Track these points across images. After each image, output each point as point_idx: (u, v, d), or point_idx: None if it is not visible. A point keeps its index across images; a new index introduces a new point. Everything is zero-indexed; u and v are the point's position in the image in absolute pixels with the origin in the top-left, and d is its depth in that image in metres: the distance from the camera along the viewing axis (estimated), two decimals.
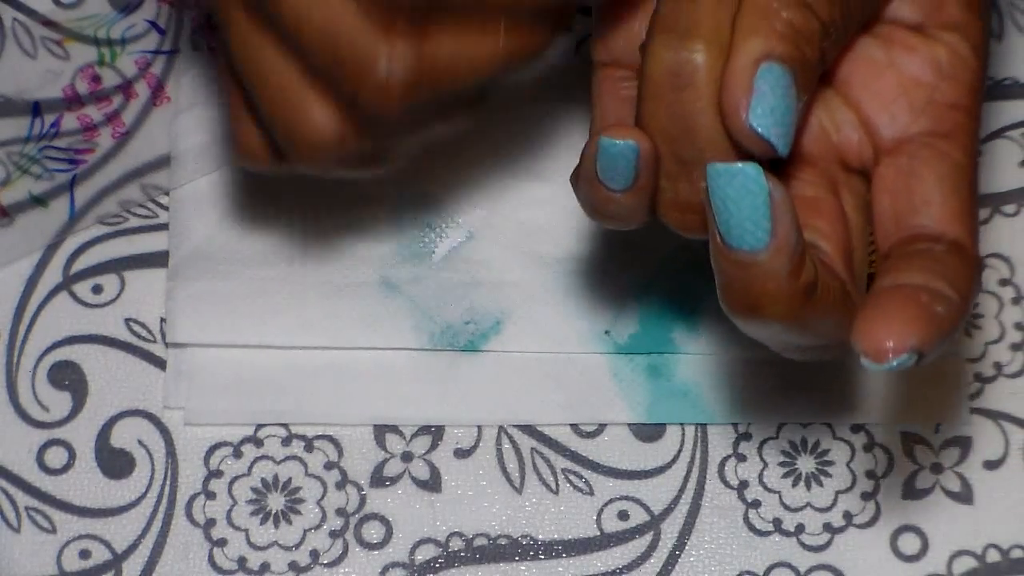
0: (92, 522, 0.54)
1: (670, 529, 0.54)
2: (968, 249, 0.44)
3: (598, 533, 0.54)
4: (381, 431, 0.55)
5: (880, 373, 0.55)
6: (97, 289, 0.56)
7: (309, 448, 0.55)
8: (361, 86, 0.44)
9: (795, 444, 0.55)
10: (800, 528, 0.55)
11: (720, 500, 0.55)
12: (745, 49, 0.42)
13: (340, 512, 0.55)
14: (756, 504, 0.55)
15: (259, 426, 0.55)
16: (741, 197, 0.40)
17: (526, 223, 0.57)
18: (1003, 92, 0.59)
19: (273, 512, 0.55)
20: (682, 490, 0.55)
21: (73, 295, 0.56)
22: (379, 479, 0.55)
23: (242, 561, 0.54)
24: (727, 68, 0.42)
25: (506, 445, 0.55)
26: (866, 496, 0.55)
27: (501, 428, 0.55)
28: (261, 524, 0.54)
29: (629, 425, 0.55)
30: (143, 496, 0.55)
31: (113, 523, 0.54)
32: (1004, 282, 0.57)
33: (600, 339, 0.56)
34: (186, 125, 0.57)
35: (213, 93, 0.58)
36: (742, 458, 0.55)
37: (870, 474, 0.55)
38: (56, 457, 0.55)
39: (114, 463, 0.55)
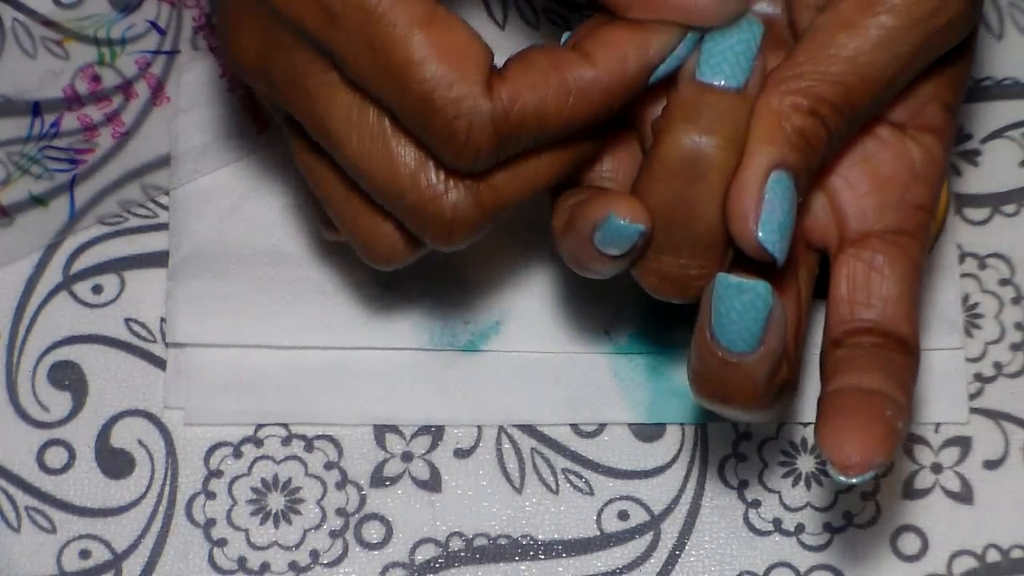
0: (92, 522, 0.54)
1: (670, 529, 0.54)
2: (914, 348, 0.46)
3: (598, 533, 0.54)
4: (381, 431, 0.55)
5: None
6: (97, 289, 0.56)
7: (309, 448, 0.55)
8: (426, 231, 0.45)
9: (795, 444, 0.55)
10: (800, 528, 0.55)
11: (720, 500, 0.55)
12: (759, 155, 0.43)
13: (340, 512, 0.55)
14: (756, 504, 0.55)
15: (259, 426, 0.55)
16: (746, 311, 0.42)
17: (526, 223, 0.56)
18: (1003, 92, 0.59)
19: (273, 512, 0.55)
20: (682, 490, 0.55)
21: (73, 295, 0.56)
22: (379, 479, 0.55)
23: (242, 561, 0.54)
24: (741, 173, 0.43)
25: (506, 445, 0.55)
26: (866, 496, 0.55)
27: (501, 428, 0.55)
28: (261, 524, 0.54)
29: (629, 425, 0.55)
30: (143, 496, 0.55)
31: (113, 523, 0.54)
32: (1004, 282, 0.57)
33: (600, 339, 0.56)
34: (186, 125, 0.57)
35: (213, 93, 0.58)
36: (742, 458, 0.55)
37: None
38: (56, 457, 0.55)
39: (114, 463, 0.55)
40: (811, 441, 0.55)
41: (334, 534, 0.54)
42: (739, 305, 0.43)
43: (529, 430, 0.55)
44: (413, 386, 0.55)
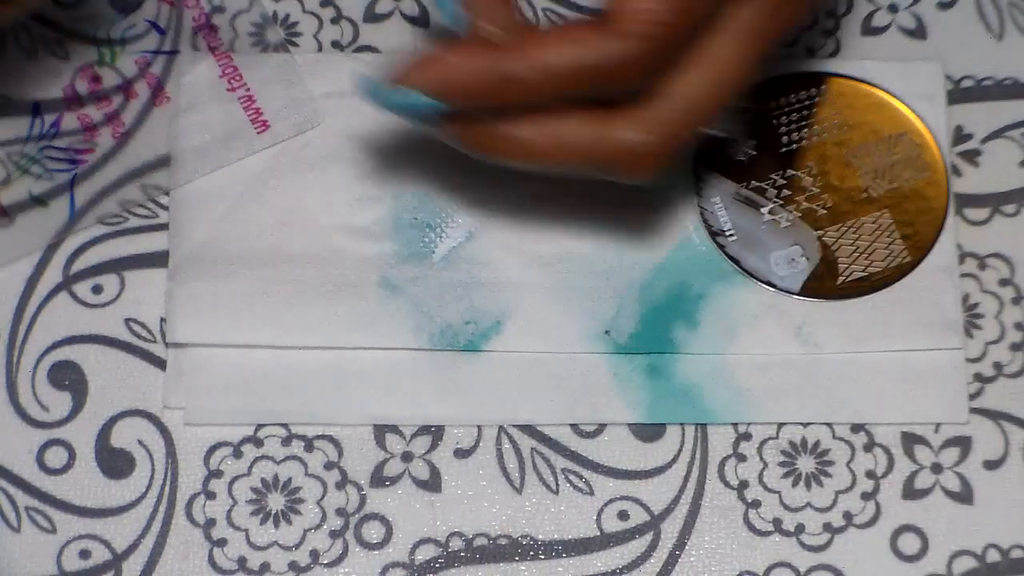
0: (92, 522, 0.54)
1: (670, 529, 0.55)
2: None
3: (598, 533, 0.55)
4: (381, 431, 0.55)
5: (880, 372, 0.55)
6: (97, 289, 0.56)
7: (309, 448, 0.55)
8: (628, 175, 0.51)
9: (795, 444, 0.55)
10: (800, 528, 0.55)
11: (720, 500, 0.55)
12: None
13: (340, 512, 0.55)
14: (756, 504, 0.55)
15: (259, 426, 0.55)
16: None
17: (525, 224, 0.57)
18: (1003, 92, 0.59)
19: (273, 512, 0.55)
20: (682, 490, 0.55)
21: (73, 295, 0.56)
22: (379, 479, 0.55)
23: (242, 561, 0.54)
24: None
25: (506, 445, 0.55)
26: (866, 496, 0.55)
27: (501, 428, 0.55)
28: (261, 524, 0.54)
29: (629, 425, 0.55)
30: (143, 496, 0.55)
31: (113, 523, 0.54)
32: (1004, 282, 0.57)
33: (600, 339, 0.56)
34: (186, 125, 0.57)
35: (213, 93, 0.58)
36: (742, 458, 0.55)
37: (870, 474, 0.55)
38: (56, 457, 0.55)
39: (114, 463, 0.55)
40: (811, 441, 0.55)
41: (334, 534, 0.54)
42: None
43: (529, 430, 0.55)
44: (413, 386, 0.55)
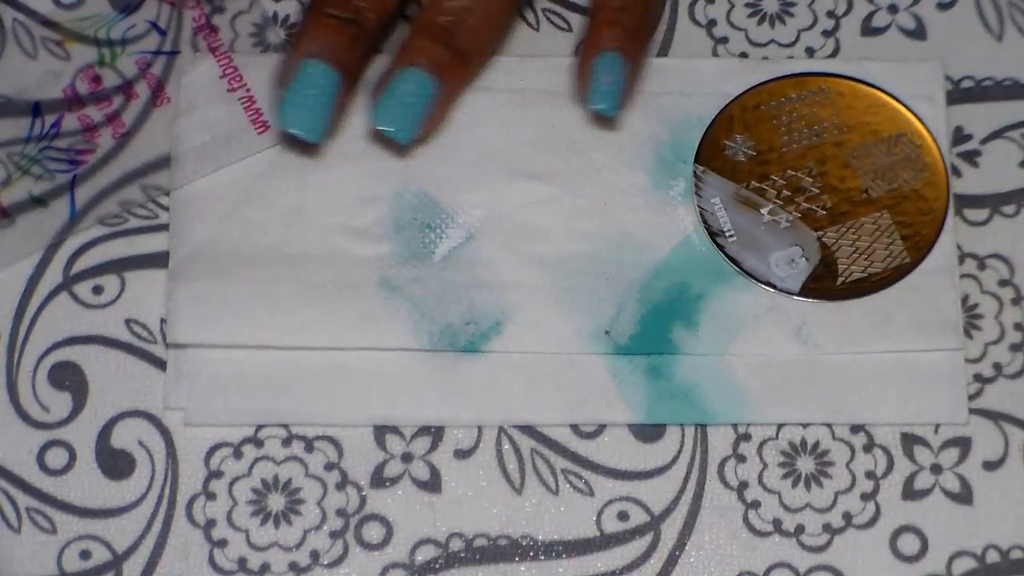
0: (92, 522, 0.54)
1: (670, 529, 0.55)
2: None
3: (598, 533, 0.55)
4: (381, 431, 0.55)
5: (880, 372, 0.55)
6: (97, 290, 0.56)
7: (309, 449, 0.55)
8: None
9: (795, 444, 0.55)
10: (800, 529, 0.55)
11: (720, 500, 0.55)
12: None
13: (340, 513, 0.55)
14: (756, 504, 0.55)
15: (259, 427, 0.55)
16: None
17: (526, 223, 0.57)
18: (1003, 92, 0.59)
19: (273, 513, 0.55)
20: (682, 491, 0.55)
21: (73, 296, 0.56)
22: (379, 480, 0.55)
23: (242, 561, 0.54)
24: None
25: (506, 445, 0.55)
26: (866, 497, 0.55)
27: (501, 428, 0.55)
28: (261, 525, 0.54)
29: (629, 425, 0.55)
30: (143, 497, 0.55)
31: (113, 523, 0.54)
32: (1004, 283, 0.57)
33: (600, 339, 0.56)
34: (186, 126, 0.57)
35: (213, 94, 0.58)
36: (742, 458, 0.55)
37: (870, 475, 0.55)
38: (56, 457, 0.55)
39: (114, 463, 0.55)
40: (811, 441, 0.55)
41: (334, 535, 0.54)
42: None
43: (529, 431, 0.55)
44: (413, 386, 0.55)
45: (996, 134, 0.58)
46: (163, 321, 0.56)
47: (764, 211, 0.57)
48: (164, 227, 0.57)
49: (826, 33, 0.59)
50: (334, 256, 0.56)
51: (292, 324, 0.55)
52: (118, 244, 0.57)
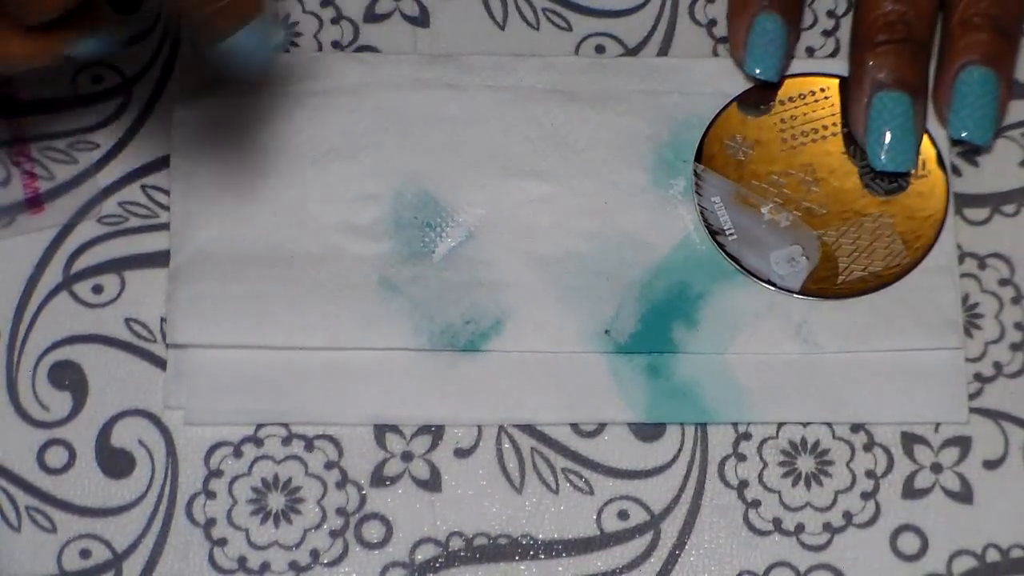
0: (92, 522, 0.54)
1: (670, 529, 0.55)
2: None
3: (598, 533, 0.55)
4: (381, 431, 0.55)
5: (880, 372, 0.55)
6: (97, 289, 0.56)
7: (309, 448, 0.55)
8: None
9: (795, 444, 0.55)
10: (800, 528, 0.55)
11: (720, 500, 0.55)
12: None
13: (340, 512, 0.55)
14: (756, 504, 0.55)
15: (259, 426, 0.55)
16: None
17: (525, 223, 0.57)
18: None
19: (273, 512, 0.55)
20: (682, 490, 0.55)
21: (73, 295, 0.56)
22: (379, 479, 0.55)
23: (242, 561, 0.54)
24: None
25: (506, 445, 0.55)
26: (866, 496, 0.55)
27: (501, 428, 0.55)
28: (261, 524, 0.54)
29: (629, 425, 0.55)
30: (143, 496, 0.55)
31: (113, 523, 0.54)
32: (1004, 282, 0.57)
33: (600, 339, 0.56)
34: (186, 125, 0.57)
35: (214, 94, 0.58)
36: (742, 458, 0.55)
37: (870, 474, 0.55)
38: (56, 457, 0.55)
39: (114, 463, 0.55)
40: (811, 441, 0.55)
41: (334, 534, 0.54)
42: None
43: (529, 430, 0.55)
44: (413, 385, 0.55)
45: (996, 134, 0.58)
46: (163, 320, 0.56)
47: (764, 210, 0.57)
48: (164, 226, 0.57)
49: (826, 33, 0.60)
50: (334, 255, 0.56)
51: (292, 323, 0.55)
52: (118, 243, 0.57)
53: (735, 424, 0.55)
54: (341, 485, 0.55)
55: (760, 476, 0.55)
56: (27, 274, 0.57)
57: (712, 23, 0.60)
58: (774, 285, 0.56)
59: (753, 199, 0.57)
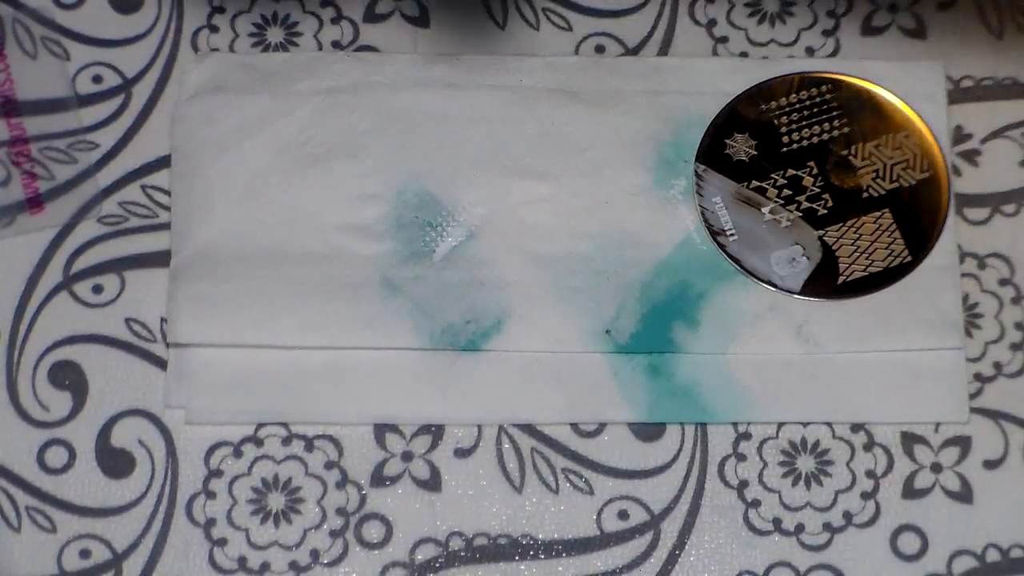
0: (92, 522, 0.54)
1: (670, 529, 0.55)
2: None
3: (598, 533, 0.55)
4: (381, 431, 0.55)
5: (880, 371, 0.55)
6: (97, 289, 0.56)
7: (309, 448, 0.55)
8: None
9: (795, 444, 0.55)
10: (800, 528, 0.55)
11: (720, 500, 0.55)
12: None
13: (340, 512, 0.55)
14: (756, 504, 0.55)
15: (259, 426, 0.55)
16: None
17: (526, 223, 0.57)
18: (1003, 92, 0.59)
19: (273, 512, 0.55)
20: (682, 490, 0.55)
21: (73, 295, 0.56)
22: (379, 479, 0.55)
23: (242, 561, 0.54)
24: None
25: (506, 445, 0.55)
26: (866, 496, 0.55)
27: (501, 428, 0.55)
28: (261, 524, 0.54)
29: (629, 425, 0.55)
30: (143, 496, 0.55)
31: (113, 523, 0.54)
32: (1004, 282, 0.57)
33: (600, 339, 0.56)
34: (187, 124, 0.57)
35: (214, 93, 0.58)
36: (742, 458, 0.55)
37: (870, 474, 0.55)
38: (56, 457, 0.55)
39: (114, 463, 0.55)
40: (811, 441, 0.55)
41: (334, 534, 0.54)
42: None
43: (529, 430, 0.55)
44: (413, 386, 0.55)
45: (996, 133, 0.58)
46: (163, 320, 0.56)
47: (765, 210, 0.57)
48: (164, 226, 0.57)
49: (826, 32, 0.60)
50: (335, 255, 0.56)
51: (293, 323, 0.55)
52: (118, 243, 0.57)
53: (735, 424, 0.55)
54: (341, 485, 0.55)
55: (760, 476, 0.55)
56: (27, 274, 0.57)
57: (712, 23, 0.60)
58: (775, 285, 0.56)
59: (754, 199, 0.57)
